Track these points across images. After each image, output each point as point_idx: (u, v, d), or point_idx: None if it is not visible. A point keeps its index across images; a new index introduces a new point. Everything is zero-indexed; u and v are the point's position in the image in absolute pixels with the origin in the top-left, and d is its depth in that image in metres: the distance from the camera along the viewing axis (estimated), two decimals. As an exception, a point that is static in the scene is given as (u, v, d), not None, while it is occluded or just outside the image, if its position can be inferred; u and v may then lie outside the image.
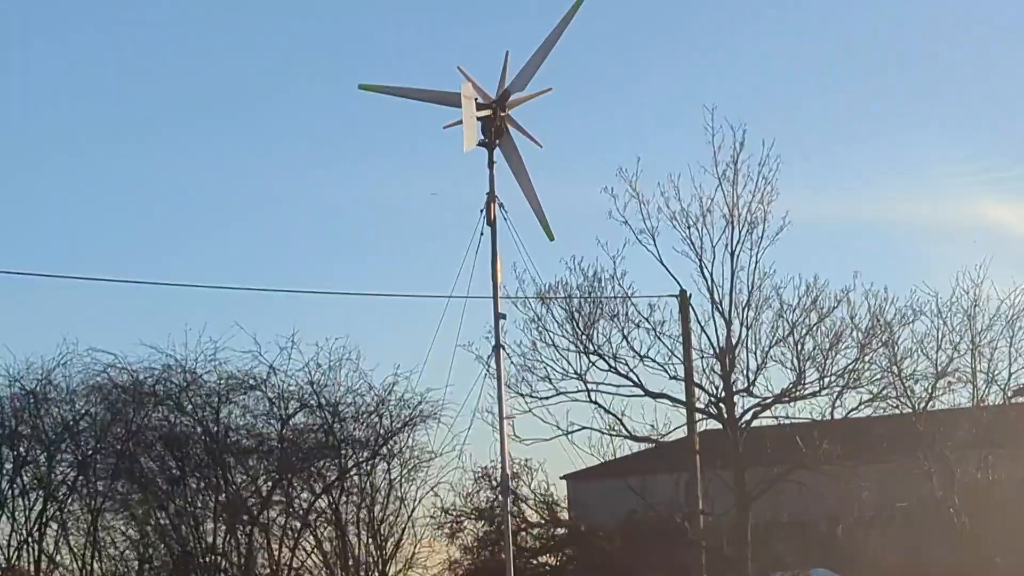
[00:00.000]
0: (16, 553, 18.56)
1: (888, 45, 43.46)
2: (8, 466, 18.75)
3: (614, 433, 18.32)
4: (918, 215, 37.64)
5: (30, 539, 18.54)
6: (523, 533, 22.16)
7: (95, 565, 18.98)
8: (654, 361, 17.70)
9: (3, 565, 18.42)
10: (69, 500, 19.27)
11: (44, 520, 18.81)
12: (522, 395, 17.56)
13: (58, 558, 18.98)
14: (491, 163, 11.03)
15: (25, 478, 19.04)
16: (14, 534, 18.56)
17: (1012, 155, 44.55)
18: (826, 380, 17.79)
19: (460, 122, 10.37)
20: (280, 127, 44.47)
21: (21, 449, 19.04)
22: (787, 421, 19.15)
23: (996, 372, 18.34)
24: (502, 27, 37.46)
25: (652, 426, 18.58)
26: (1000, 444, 18.12)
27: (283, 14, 42.03)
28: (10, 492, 18.73)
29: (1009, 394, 18.29)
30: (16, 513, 18.61)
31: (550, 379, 17.82)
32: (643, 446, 20.36)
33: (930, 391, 18.48)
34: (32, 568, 18.47)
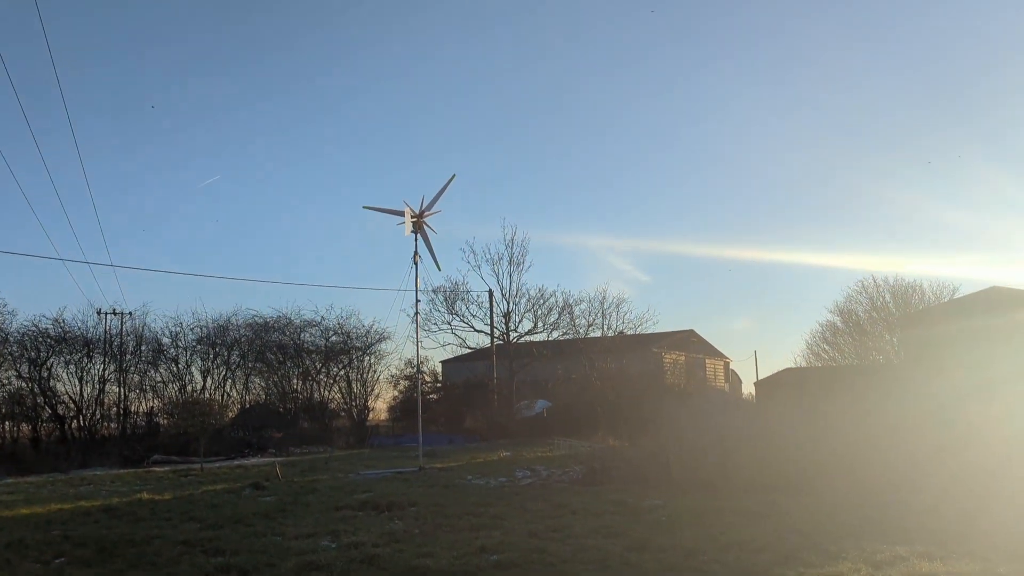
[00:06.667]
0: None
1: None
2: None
3: (462, 345, 44.54)
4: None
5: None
6: (424, 386, 42.33)
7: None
8: (477, 319, 43.12)
9: None
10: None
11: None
12: (426, 330, 41.37)
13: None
14: (416, 239, 23.86)
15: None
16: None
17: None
18: (541, 325, 43.21)
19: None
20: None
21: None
22: (530, 340, 43.38)
23: (610, 324, 42.71)
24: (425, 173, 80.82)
25: (478, 343, 44.76)
26: (612, 351, 41.98)
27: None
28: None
29: (613, 334, 42.99)
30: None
31: (437, 324, 42.50)
32: (472, 350, 45.82)
33: (585, 330, 43.30)
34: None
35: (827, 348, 48.30)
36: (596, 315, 42.90)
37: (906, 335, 32.22)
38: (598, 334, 42.88)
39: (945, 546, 9.42)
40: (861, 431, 16.55)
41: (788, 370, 36.24)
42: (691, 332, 55.73)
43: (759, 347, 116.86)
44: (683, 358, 53.35)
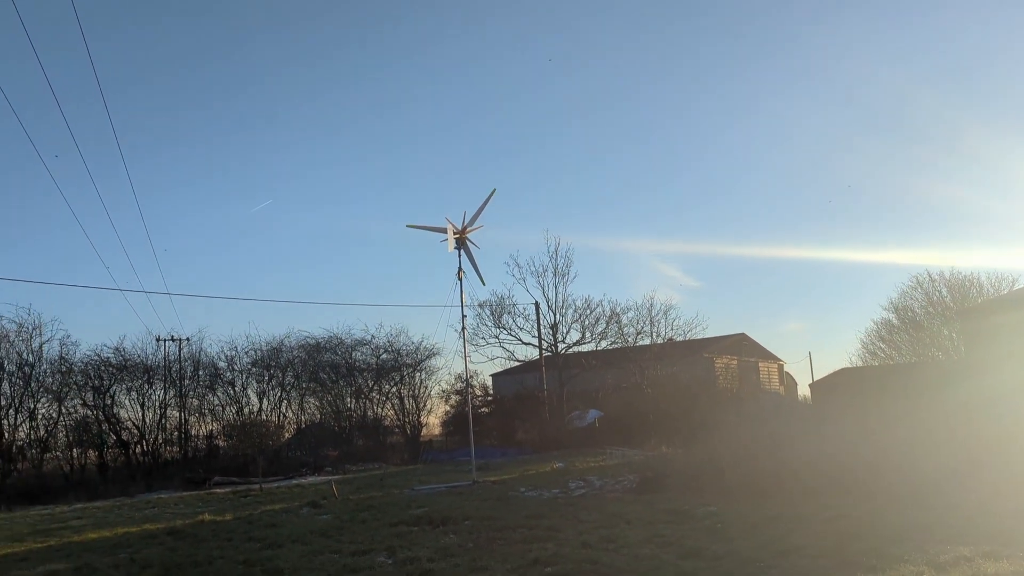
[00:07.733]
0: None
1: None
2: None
3: (511, 358, 43.85)
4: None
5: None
6: (475, 399, 42.63)
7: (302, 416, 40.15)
8: (524, 331, 42.48)
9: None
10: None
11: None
12: (474, 345, 42.21)
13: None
14: (459, 254, 23.82)
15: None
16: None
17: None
18: (589, 335, 42.57)
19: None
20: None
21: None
22: (578, 350, 43.02)
23: (658, 331, 42.22)
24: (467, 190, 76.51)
25: (526, 356, 44.23)
26: (662, 358, 41.23)
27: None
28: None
29: (662, 341, 42.53)
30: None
31: (485, 338, 42.33)
32: (521, 363, 45.15)
33: (634, 338, 42.94)
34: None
35: (883, 346, 47.38)
36: (644, 323, 43.16)
37: (965, 328, 31.47)
38: (647, 342, 42.89)
39: (1008, 545, 9.19)
40: (918, 429, 16.22)
41: (844, 370, 35.63)
42: (743, 336, 55.07)
43: (813, 348, 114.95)
44: (735, 362, 52.68)
